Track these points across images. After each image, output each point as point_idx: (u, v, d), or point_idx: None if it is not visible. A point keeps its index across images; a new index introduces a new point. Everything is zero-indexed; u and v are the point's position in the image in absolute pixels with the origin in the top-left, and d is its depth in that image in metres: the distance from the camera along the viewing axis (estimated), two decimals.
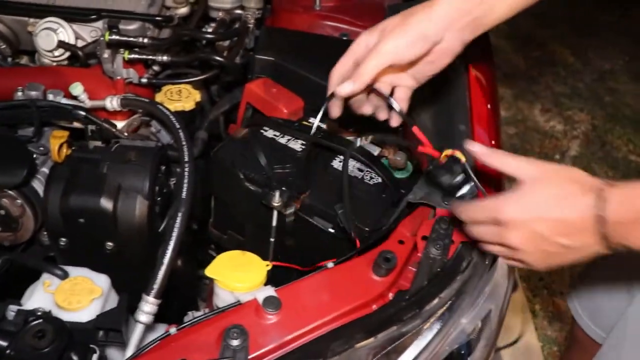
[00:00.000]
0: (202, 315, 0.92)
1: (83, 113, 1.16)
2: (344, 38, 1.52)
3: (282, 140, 1.16)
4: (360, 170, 1.12)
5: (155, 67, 1.36)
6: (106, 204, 1.02)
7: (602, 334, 1.44)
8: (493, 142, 1.22)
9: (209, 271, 0.96)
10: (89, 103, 1.21)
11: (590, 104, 3.48)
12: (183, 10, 1.50)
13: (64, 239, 1.07)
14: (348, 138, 1.19)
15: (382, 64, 0.94)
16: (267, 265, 0.98)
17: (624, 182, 0.81)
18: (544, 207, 0.81)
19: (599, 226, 0.78)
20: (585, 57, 3.89)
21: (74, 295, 0.94)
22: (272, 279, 1.01)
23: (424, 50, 0.95)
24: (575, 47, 3.97)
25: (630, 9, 4.23)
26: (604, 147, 3.18)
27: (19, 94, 1.20)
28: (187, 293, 1.25)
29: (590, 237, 0.80)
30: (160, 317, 0.97)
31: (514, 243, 0.83)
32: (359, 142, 1.19)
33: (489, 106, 1.28)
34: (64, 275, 0.97)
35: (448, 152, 0.93)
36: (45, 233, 1.13)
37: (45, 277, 0.98)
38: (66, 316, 0.91)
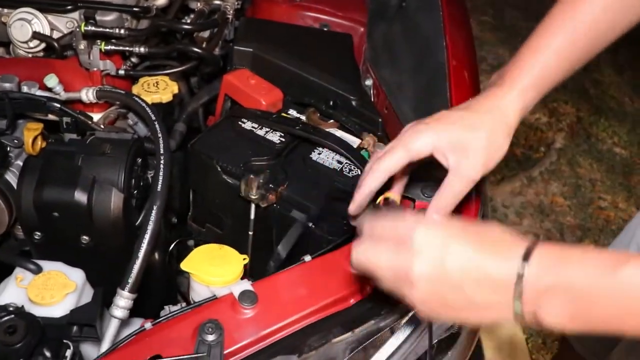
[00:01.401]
0: (177, 310, 0.91)
1: (58, 105, 1.13)
2: (324, 29, 1.51)
3: (261, 132, 1.14)
4: (339, 162, 1.10)
5: (133, 59, 1.34)
6: (81, 197, 1.00)
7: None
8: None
9: (185, 265, 0.95)
10: (64, 95, 1.19)
11: (575, 96, 3.49)
12: (161, 1, 1.47)
13: (38, 233, 1.05)
14: (327, 130, 1.17)
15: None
16: (244, 259, 0.97)
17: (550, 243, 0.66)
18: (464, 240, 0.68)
19: (517, 286, 0.63)
20: None
21: (47, 290, 0.92)
22: (250, 271, 1.00)
23: None
24: None
25: None
26: (589, 139, 3.20)
27: None
28: (164, 287, 1.23)
29: (504, 296, 0.64)
30: (137, 311, 0.96)
31: (414, 273, 0.67)
32: (338, 134, 1.18)
33: (469, 93, 1.28)
34: (38, 270, 0.95)
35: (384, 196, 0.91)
36: (19, 227, 1.11)
37: (18, 272, 0.96)
38: (39, 311, 0.90)
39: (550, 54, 0.88)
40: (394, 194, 0.91)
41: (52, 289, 0.92)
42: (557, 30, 0.88)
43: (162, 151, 1.01)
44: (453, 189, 0.83)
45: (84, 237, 1.04)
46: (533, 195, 2.83)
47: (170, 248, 1.20)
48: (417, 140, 0.83)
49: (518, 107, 0.86)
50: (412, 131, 0.84)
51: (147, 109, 1.09)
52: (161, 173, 0.98)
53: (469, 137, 0.82)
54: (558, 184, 2.91)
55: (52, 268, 0.96)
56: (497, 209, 2.72)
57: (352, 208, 0.88)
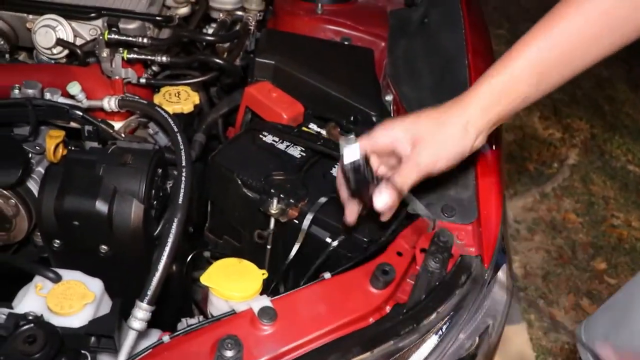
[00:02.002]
0: (196, 324, 0.90)
1: (80, 113, 1.14)
2: (346, 43, 1.51)
3: (281, 146, 1.14)
4: None
5: (155, 68, 1.34)
6: (101, 207, 1.00)
7: None
8: (494, 147, 1.21)
9: (204, 279, 0.95)
10: (86, 103, 1.20)
11: (590, 112, 3.47)
12: (184, 10, 1.49)
13: (57, 241, 1.05)
14: None
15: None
16: (263, 274, 0.97)
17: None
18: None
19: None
20: None
21: (67, 299, 0.92)
22: (268, 286, 0.99)
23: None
24: None
25: None
26: (603, 156, 3.18)
27: (16, 91, 1.18)
28: (181, 298, 1.23)
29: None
30: (153, 322, 0.96)
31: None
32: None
33: None
34: (57, 279, 0.95)
35: None
36: (38, 233, 1.11)
37: (38, 280, 0.96)
38: (58, 321, 0.90)
39: (521, 64, 0.90)
40: None
41: (71, 299, 0.92)
42: (532, 41, 0.90)
43: (184, 163, 1.01)
44: (406, 175, 0.91)
45: (103, 246, 1.04)
46: (545, 211, 2.81)
47: (188, 259, 1.19)
48: (380, 133, 0.93)
49: (479, 112, 0.91)
50: (381, 125, 0.94)
51: (170, 120, 1.09)
52: (182, 186, 0.98)
53: (428, 131, 0.91)
54: (571, 200, 2.89)
55: (71, 277, 0.96)
56: (510, 225, 2.71)
57: (348, 220, 0.97)
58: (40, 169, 1.12)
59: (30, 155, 1.11)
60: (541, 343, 2.27)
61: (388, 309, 0.91)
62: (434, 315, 0.90)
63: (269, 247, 1.09)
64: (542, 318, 2.35)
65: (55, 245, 1.05)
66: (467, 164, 1.10)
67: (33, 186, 1.09)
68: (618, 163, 3.15)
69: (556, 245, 2.67)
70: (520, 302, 2.38)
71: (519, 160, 3.09)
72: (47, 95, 1.19)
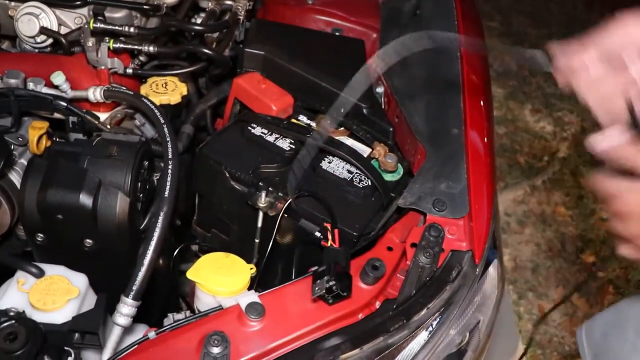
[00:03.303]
0: (182, 320, 0.89)
1: (64, 104, 1.11)
2: (337, 33, 1.49)
3: (270, 138, 1.12)
4: (349, 172, 1.09)
5: (142, 58, 1.32)
6: (86, 200, 0.98)
7: None
8: (485, 142, 1.20)
9: (191, 274, 0.93)
10: (70, 93, 1.17)
11: (580, 106, 3.45)
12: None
13: (41, 235, 1.03)
14: (338, 138, 1.15)
15: None
16: (251, 268, 0.95)
17: None
18: None
19: None
20: None
21: (50, 295, 0.90)
22: (256, 278, 0.98)
23: None
24: None
25: (619, 10, 4.23)
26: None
27: None
28: (167, 292, 1.21)
29: None
30: (139, 317, 0.94)
31: None
32: (348, 142, 1.16)
33: (482, 108, 1.26)
34: (40, 274, 0.93)
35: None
36: (21, 227, 1.09)
37: (20, 275, 0.94)
38: (40, 317, 0.88)
39: None
40: None
41: (54, 294, 0.90)
42: None
43: (170, 156, 0.99)
44: None
45: (88, 240, 1.02)
46: (535, 204, 2.81)
47: (175, 253, 1.17)
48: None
49: None
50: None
51: (156, 111, 1.07)
52: (169, 179, 0.96)
53: None
54: (561, 193, 2.89)
55: (55, 272, 0.94)
56: (500, 218, 2.71)
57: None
58: (23, 161, 1.09)
59: (12, 146, 1.08)
60: (530, 335, 2.27)
61: (378, 304, 0.90)
62: (424, 311, 0.89)
63: (257, 240, 1.07)
64: (531, 311, 2.35)
65: (39, 239, 1.03)
66: (458, 158, 1.09)
67: (15, 178, 1.07)
68: None
69: (546, 238, 2.67)
70: (509, 295, 2.39)
71: (509, 153, 3.09)
72: (31, 85, 1.16)
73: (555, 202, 2.85)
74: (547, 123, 3.32)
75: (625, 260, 2.58)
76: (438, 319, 0.91)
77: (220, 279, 0.92)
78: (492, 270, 1.01)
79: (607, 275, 2.52)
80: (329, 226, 0.95)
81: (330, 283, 0.84)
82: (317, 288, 0.86)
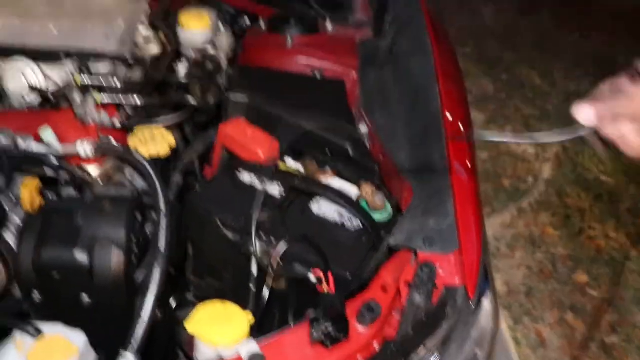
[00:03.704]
0: None
1: (56, 162, 1.13)
2: (317, 74, 1.52)
3: (259, 185, 1.14)
4: (339, 214, 1.10)
5: (128, 110, 1.34)
6: (81, 256, 0.99)
7: None
8: (469, 170, 1.22)
9: (189, 326, 0.93)
10: (61, 150, 1.18)
11: (560, 126, 3.51)
12: (154, 49, 1.48)
13: (37, 293, 1.03)
14: (326, 180, 1.17)
15: None
16: (249, 316, 0.96)
17: None
18: None
19: None
20: (552, 78, 3.96)
21: (49, 356, 0.90)
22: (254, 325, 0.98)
23: None
24: (541, 69, 4.04)
25: (590, 30, 4.33)
26: (576, 169, 3.22)
27: None
28: (165, 343, 1.21)
29: None
30: None
31: None
32: (336, 183, 1.18)
33: (464, 139, 1.29)
34: (37, 333, 0.93)
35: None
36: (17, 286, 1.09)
37: (18, 336, 0.94)
38: None
39: None
40: None
41: (53, 356, 0.90)
42: None
43: (162, 208, 1.01)
44: None
45: (85, 296, 1.02)
46: (523, 227, 2.84)
47: (170, 302, 1.18)
48: None
49: None
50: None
51: (146, 165, 1.08)
52: (162, 232, 0.97)
53: None
54: (547, 214, 2.92)
55: (52, 330, 0.94)
56: (490, 243, 2.73)
57: None
58: (17, 218, 1.10)
59: (6, 207, 1.09)
60: None
61: (376, 345, 0.91)
62: (422, 349, 0.90)
63: (252, 287, 1.08)
64: (529, 335, 2.36)
65: (35, 297, 1.03)
66: (444, 192, 1.11)
67: (9, 237, 1.07)
68: (591, 175, 3.19)
69: (537, 261, 2.69)
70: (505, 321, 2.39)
71: (494, 178, 3.12)
72: (20, 142, 1.17)
73: (542, 223, 2.88)
74: (528, 145, 3.36)
75: (617, 279, 2.60)
76: (437, 357, 0.92)
77: (219, 329, 0.92)
78: (487, 303, 1.02)
79: (601, 293, 2.54)
80: (321, 274, 0.96)
81: (328, 328, 0.86)
82: (314, 333, 0.87)
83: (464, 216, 1.08)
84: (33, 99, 1.32)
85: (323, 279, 0.96)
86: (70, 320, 0.98)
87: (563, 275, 2.61)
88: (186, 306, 1.30)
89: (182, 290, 1.33)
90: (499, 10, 4.73)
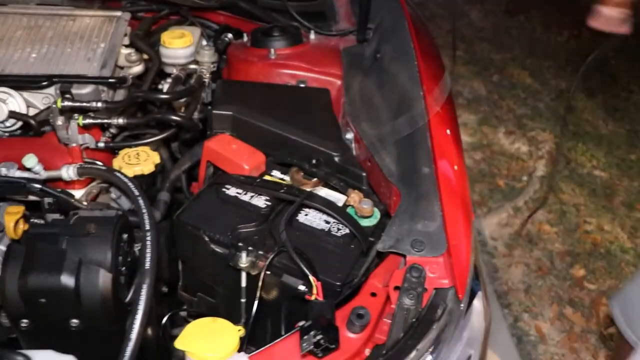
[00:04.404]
0: None
1: (38, 186, 1.12)
2: (302, 85, 1.52)
3: (246, 198, 1.14)
4: (326, 222, 1.10)
5: (112, 130, 1.34)
6: (67, 281, 0.98)
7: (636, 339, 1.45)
8: (457, 172, 1.22)
9: (179, 343, 0.93)
10: (44, 174, 1.18)
11: (552, 123, 3.54)
12: (137, 69, 1.49)
13: (25, 320, 1.02)
14: (312, 189, 1.17)
15: None
16: (239, 330, 0.95)
17: None
18: None
19: None
20: (543, 77, 3.98)
21: None
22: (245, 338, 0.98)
23: None
24: (532, 69, 4.06)
25: (580, 29, 4.35)
26: (569, 164, 3.23)
27: None
28: None
29: None
30: None
31: None
32: (323, 192, 1.18)
33: (450, 140, 1.28)
34: None
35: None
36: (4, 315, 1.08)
37: None
38: None
39: None
40: None
41: None
42: None
43: (148, 227, 1.00)
44: None
45: (74, 320, 1.01)
46: (520, 225, 2.84)
47: (163, 321, 1.17)
48: None
49: None
50: None
51: (130, 184, 1.08)
52: (148, 250, 0.96)
53: None
54: (543, 211, 2.92)
55: (44, 357, 0.93)
56: (487, 243, 2.72)
57: None
58: (2, 247, 1.10)
59: None
60: (531, 357, 2.27)
61: (367, 351, 0.91)
62: (414, 353, 0.89)
63: (243, 300, 1.08)
64: (529, 332, 2.35)
65: (23, 324, 1.02)
66: (432, 196, 1.10)
67: None
68: (584, 170, 3.20)
69: (534, 258, 2.68)
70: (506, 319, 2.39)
71: (489, 178, 3.12)
72: (3, 171, 1.17)
73: (539, 220, 2.88)
74: (521, 144, 3.37)
75: (614, 271, 2.60)
76: (429, 359, 0.91)
77: (209, 344, 0.92)
78: (477, 303, 1.02)
79: (599, 287, 2.54)
80: (313, 280, 0.96)
81: (318, 337, 0.85)
82: (305, 344, 0.86)
83: (452, 217, 1.07)
84: (16, 126, 1.31)
85: (312, 288, 0.95)
86: (60, 345, 0.97)
87: (561, 271, 2.61)
88: (180, 324, 1.30)
89: (176, 310, 1.32)
90: (486, 13, 4.76)
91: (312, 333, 0.86)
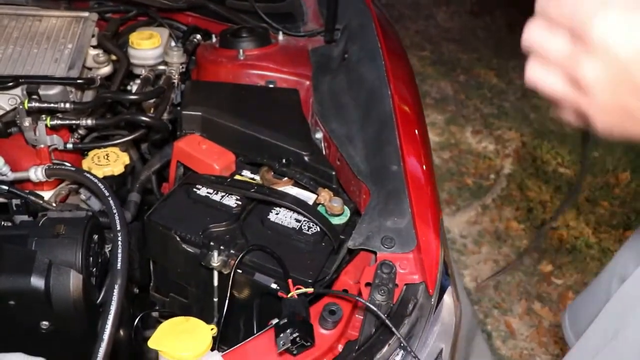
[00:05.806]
0: None
1: (5, 187, 1.11)
2: (271, 85, 1.53)
3: (216, 197, 1.14)
4: (297, 220, 1.11)
5: (81, 131, 1.33)
6: (37, 282, 0.97)
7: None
8: (425, 171, 1.24)
9: (152, 343, 0.93)
10: (11, 176, 1.17)
11: (518, 122, 3.60)
12: (105, 70, 1.48)
13: None
14: (282, 188, 1.18)
15: None
16: (212, 329, 0.95)
17: None
18: None
19: None
20: (508, 77, 4.04)
21: None
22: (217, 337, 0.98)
23: None
24: (498, 69, 4.12)
25: None
26: (535, 162, 3.29)
27: None
28: None
29: None
30: None
31: (587, 77, 0.56)
32: (293, 191, 1.19)
33: (417, 139, 1.30)
34: None
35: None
36: None
37: None
38: None
39: None
40: None
41: None
42: None
43: (118, 228, 1.00)
44: None
45: (44, 322, 1.00)
46: (488, 223, 2.88)
47: (135, 322, 1.17)
48: None
49: None
50: None
51: (100, 184, 1.07)
52: (119, 251, 0.96)
53: None
54: (511, 208, 2.97)
55: None
56: (456, 240, 2.76)
57: None
58: None
59: None
60: (501, 352, 2.31)
61: (340, 347, 0.92)
62: (386, 348, 0.91)
63: (215, 299, 1.08)
64: (499, 328, 2.39)
65: None
66: (401, 193, 1.12)
67: None
68: (549, 167, 3.26)
69: (503, 254, 2.73)
70: (476, 315, 2.42)
71: (457, 176, 3.16)
72: None
73: (506, 217, 2.93)
74: (488, 142, 3.43)
75: (580, 265, 2.66)
76: (401, 354, 0.93)
77: (182, 343, 0.92)
78: (448, 298, 1.03)
79: (565, 281, 2.60)
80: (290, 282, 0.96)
81: (294, 335, 0.86)
82: (281, 342, 0.87)
83: (421, 214, 1.09)
84: None
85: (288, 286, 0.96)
86: (31, 348, 0.96)
87: (529, 267, 2.66)
88: (152, 325, 1.29)
89: (148, 311, 1.32)
90: (452, 14, 4.82)
91: (288, 331, 0.87)
